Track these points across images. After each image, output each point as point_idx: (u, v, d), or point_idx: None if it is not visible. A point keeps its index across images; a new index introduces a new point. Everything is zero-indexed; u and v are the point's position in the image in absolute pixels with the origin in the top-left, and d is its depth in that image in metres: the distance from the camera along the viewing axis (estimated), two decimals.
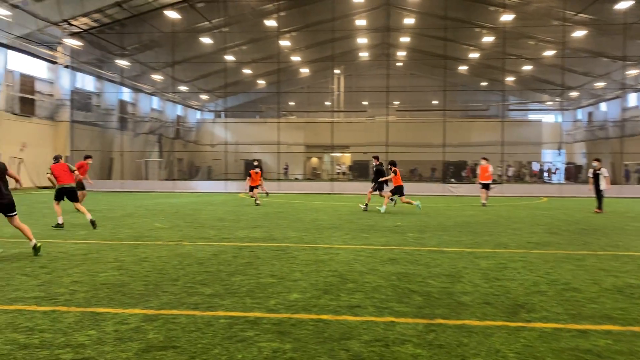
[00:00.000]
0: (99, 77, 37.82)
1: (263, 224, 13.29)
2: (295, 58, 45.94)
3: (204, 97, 52.93)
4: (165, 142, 46.61)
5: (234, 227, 12.55)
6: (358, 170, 49.20)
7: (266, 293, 6.04)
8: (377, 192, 17.79)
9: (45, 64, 32.93)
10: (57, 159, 12.89)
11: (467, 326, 4.87)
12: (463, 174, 44.75)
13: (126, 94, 41.03)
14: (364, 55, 49.47)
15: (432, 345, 4.37)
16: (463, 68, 48.77)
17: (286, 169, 47.19)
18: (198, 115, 55.84)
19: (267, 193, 22.99)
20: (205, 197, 25.81)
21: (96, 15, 31.02)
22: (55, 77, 34.19)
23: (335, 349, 4.25)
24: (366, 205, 17.41)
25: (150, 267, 7.46)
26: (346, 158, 52.51)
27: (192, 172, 49.80)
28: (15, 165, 30.07)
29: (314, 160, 54.73)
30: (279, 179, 37.87)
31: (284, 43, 40.29)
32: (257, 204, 19.65)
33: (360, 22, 39.61)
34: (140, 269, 7.32)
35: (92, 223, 12.03)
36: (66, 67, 33.46)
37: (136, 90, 42.08)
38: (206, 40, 37.78)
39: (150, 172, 42.31)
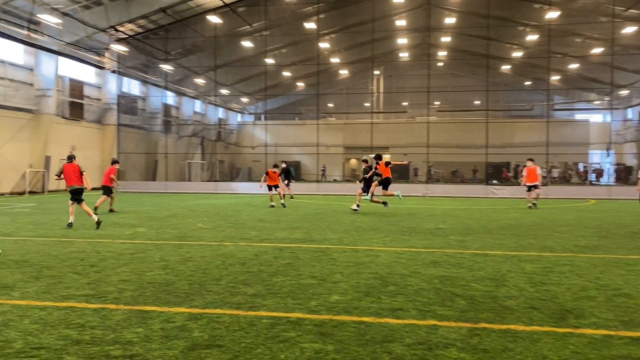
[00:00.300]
0: (144, 82, 38.89)
1: (302, 225, 13.36)
2: (335, 60, 46.00)
3: (244, 99, 53.66)
4: (207, 145, 47.49)
5: (274, 228, 12.67)
6: (398, 172, 48.84)
7: (307, 294, 6.07)
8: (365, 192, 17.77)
9: (93, 69, 34.09)
10: (70, 158, 12.98)
11: (512, 331, 4.77)
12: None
13: (170, 98, 42.04)
14: (404, 55, 49.05)
15: (477, 350, 4.29)
16: (506, 67, 47.70)
17: (323, 170, 47.32)
18: (239, 117, 56.67)
19: (284, 195, 23.27)
20: (245, 198, 26.15)
21: (141, 21, 31.91)
22: (103, 82, 35.36)
23: (378, 352, 4.24)
24: (357, 205, 17.40)
25: (194, 267, 7.62)
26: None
27: (233, 174, 50.55)
28: None
29: (353, 161, 54.64)
30: (317, 181, 37.98)
31: (324, 45, 40.40)
32: (272, 206, 19.32)
33: (400, 23, 39.31)
34: (185, 269, 7.49)
35: (98, 224, 12.34)
36: (113, 72, 34.55)
37: (179, 94, 43.06)
38: (247, 43, 38.28)
39: (193, 174, 43.21)
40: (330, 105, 56.73)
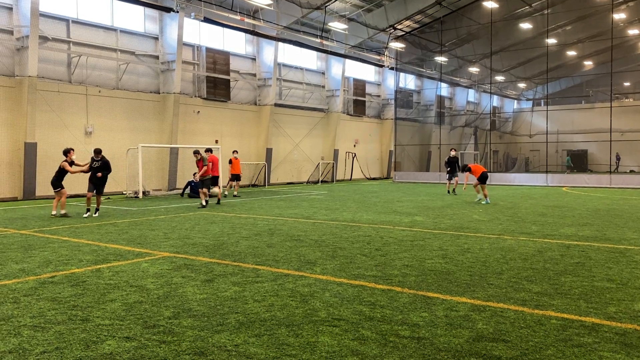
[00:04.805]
0: (419, 75, 40.16)
1: (593, 221, 11.98)
2: (633, 31, 39.61)
3: (521, 85, 50.64)
4: (481, 134, 46.43)
5: (558, 223, 11.68)
6: None
7: (603, 298, 5.43)
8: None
9: (373, 68, 36.75)
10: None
11: None
12: None
13: (443, 89, 42.43)
14: None
15: None
16: None
17: (618, 159, 41.42)
18: (515, 104, 53.79)
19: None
20: (523, 189, 24.73)
21: (418, 17, 32.92)
22: (381, 79, 37.82)
23: None
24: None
25: (473, 259, 7.58)
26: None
27: (508, 164, 48.33)
28: (349, 159, 34.54)
29: None
30: (609, 172, 33.42)
31: (619, 16, 35.18)
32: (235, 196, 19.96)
33: None
34: (464, 259, 7.51)
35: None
36: (391, 69, 36.58)
37: (453, 84, 43.10)
38: (525, 25, 35.98)
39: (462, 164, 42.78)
40: (627, 84, 49.13)
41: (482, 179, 16.70)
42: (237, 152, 20.94)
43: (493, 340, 4.20)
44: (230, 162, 20.32)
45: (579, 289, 5.81)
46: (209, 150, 16.91)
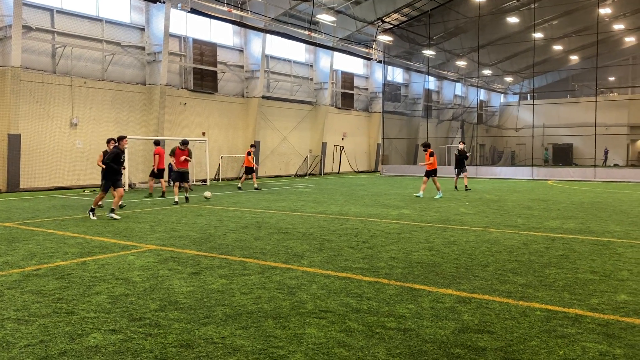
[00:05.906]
0: (407, 69, 40.20)
1: (577, 214, 12.13)
2: (618, 26, 40.01)
3: (508, 79, 50.96)
4: (467, 128, 46.68)
5: (543, 216, 11.81)
6: None
7: (587, 290, 5.51)
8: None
9: (361, 61, 36.68)
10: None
11: None
12: None
13: (431, 83, 42.55)
14: None
15: None
16: None
17: (606, 153, 41.90)
18: (501, 98, 54.13)
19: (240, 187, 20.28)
20: (509, 183, 24.95)
21: (406, 10, 32.87)
22: (370, 72, 37.79)
23: None
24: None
25: (459, 251, 7.63)
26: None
27: (494, 158, 48.70)
28: (337, 152, 34.53)
29: None
30: (594, 166, 33.85)
31: (604, 11, 35.48)
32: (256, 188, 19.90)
33: None
34: (450, 252, 7.56)
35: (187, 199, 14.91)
36: (379, 62, 36.56)
37: (440, 78, 43.22)
38: (512, 19, 36.17)
39: (453, 158, 43.04)
40: (612, 79, 49.68)
41: (434, 172, 16.98)
42: (254, 146, 21.09)
43: (478, 332, 4.25)
44: (249, 154, 19.92)
45: (563, 281, 5.89)
46: (157, 143, 17.24)
